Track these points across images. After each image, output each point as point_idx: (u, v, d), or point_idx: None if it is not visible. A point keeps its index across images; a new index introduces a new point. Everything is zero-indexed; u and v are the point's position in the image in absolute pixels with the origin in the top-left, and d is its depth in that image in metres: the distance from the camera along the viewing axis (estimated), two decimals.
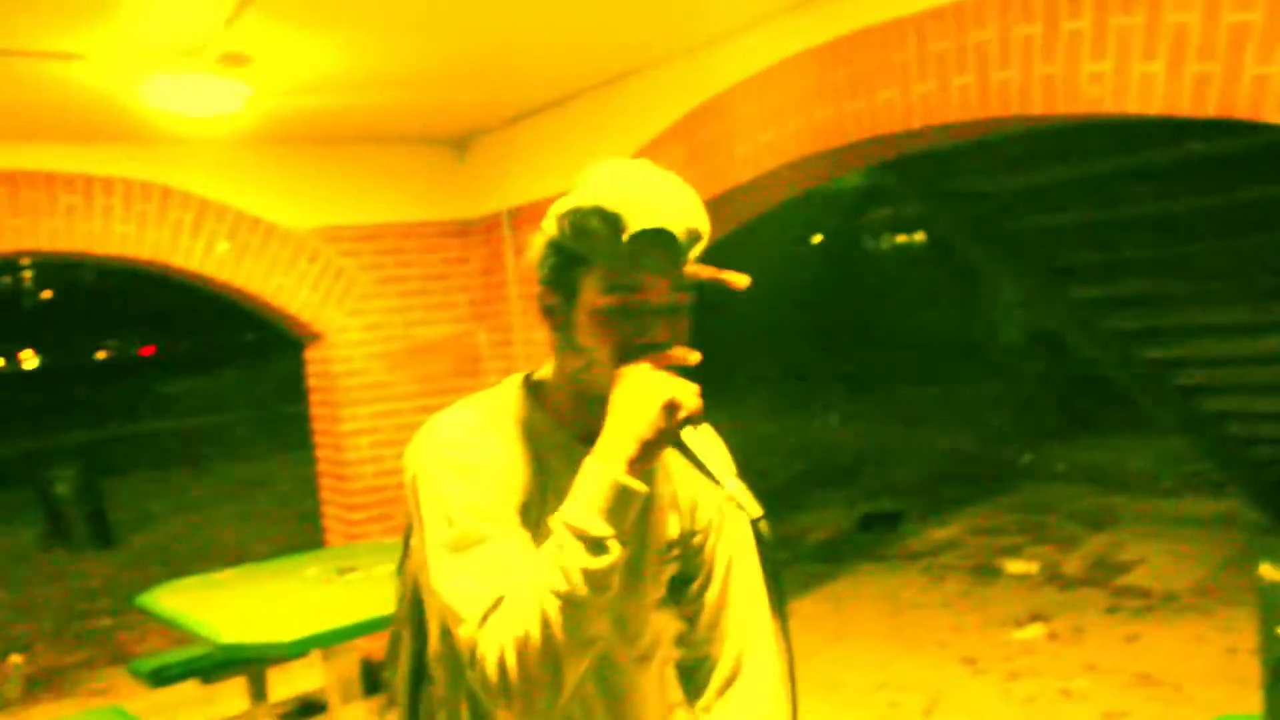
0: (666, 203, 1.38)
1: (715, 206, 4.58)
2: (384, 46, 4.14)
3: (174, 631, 5.05)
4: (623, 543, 1.33)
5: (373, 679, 5.26)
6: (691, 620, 1.66)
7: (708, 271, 1.43)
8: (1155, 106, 3.03)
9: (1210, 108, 2.91)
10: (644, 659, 1.60)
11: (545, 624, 1.32)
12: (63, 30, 3.58)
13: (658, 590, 1.60)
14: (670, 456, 1.57)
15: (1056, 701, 4.84)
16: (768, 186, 4.45)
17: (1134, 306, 6.30)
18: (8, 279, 30.98)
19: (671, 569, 1.61)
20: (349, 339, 5.75)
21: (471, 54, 4.35)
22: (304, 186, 5.66)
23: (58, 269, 29.21)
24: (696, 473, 1.57)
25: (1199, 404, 6.77)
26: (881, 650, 5.67)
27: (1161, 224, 5.62)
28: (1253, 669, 3.53)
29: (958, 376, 16.33)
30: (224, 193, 5.41)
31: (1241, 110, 2.84)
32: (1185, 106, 2.96)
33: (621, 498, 1.32)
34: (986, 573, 6.89)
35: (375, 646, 5.47)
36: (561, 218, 1.43)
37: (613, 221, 1.37)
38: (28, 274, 31.11)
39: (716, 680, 1.65)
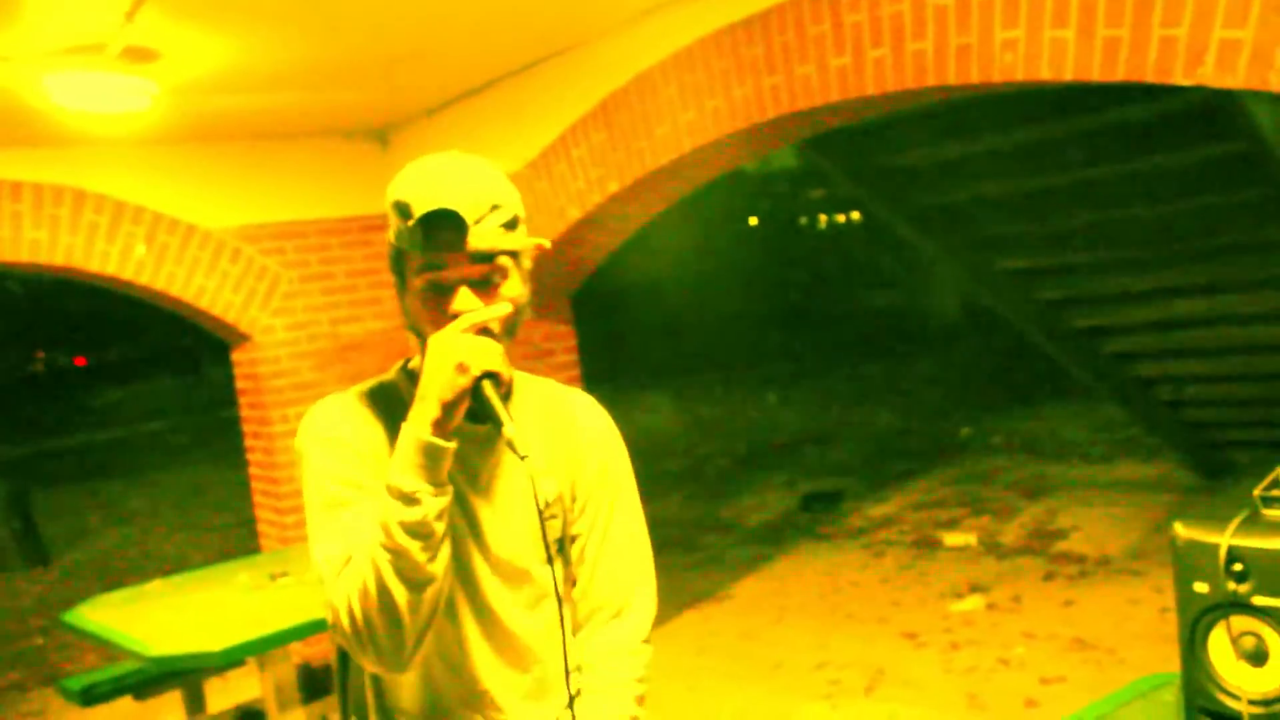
0: (449, 185, 1.52)
1: (638, 189, 4.56)
2: (289, 42, 4.03)
3: (106, 648, 4.93)
4: (438, 496, 1.47)
5: (311, 685, 5.17)
6: (580, 574, 1.81)
7: (512, 241, 1.56)
8: (1067, 72, 3.04)
9: (1120, 72, 2.92)
10: (531, 608, 1.72)
11: (378, 574, 1.47)
12: None
13: (538, 546, 1.70)
14: (546, 425, 1.74)
15: (995, 671, 4.88)
16: (690, 167, 4.42)
17: (1059, 275, 6.37)
18: None
19: (554, 526, 1.73)
20: (275, 339, 5.64)
21: (382, 47, 4.26)
22: (222, 185, 5.54)
23: None
24: (577, 440, 1.77)
25: (1127, 370, 6.88)
26: (822, 629, 5.68)
27: (1082, 192, 5.68)
28: None
29: (896, 354, 16.48)
30: (140, 194, 5.27)
31: (1150, 74, 2.86)
32: (1096, 72, 2.97)
33: (429, 454, 1.46)
34: (926, 546, 6.94)
35: (312, 652, 5.42)
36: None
37: (403, 210, 1.53)
38: None
39: (599, 620, 1.81)
